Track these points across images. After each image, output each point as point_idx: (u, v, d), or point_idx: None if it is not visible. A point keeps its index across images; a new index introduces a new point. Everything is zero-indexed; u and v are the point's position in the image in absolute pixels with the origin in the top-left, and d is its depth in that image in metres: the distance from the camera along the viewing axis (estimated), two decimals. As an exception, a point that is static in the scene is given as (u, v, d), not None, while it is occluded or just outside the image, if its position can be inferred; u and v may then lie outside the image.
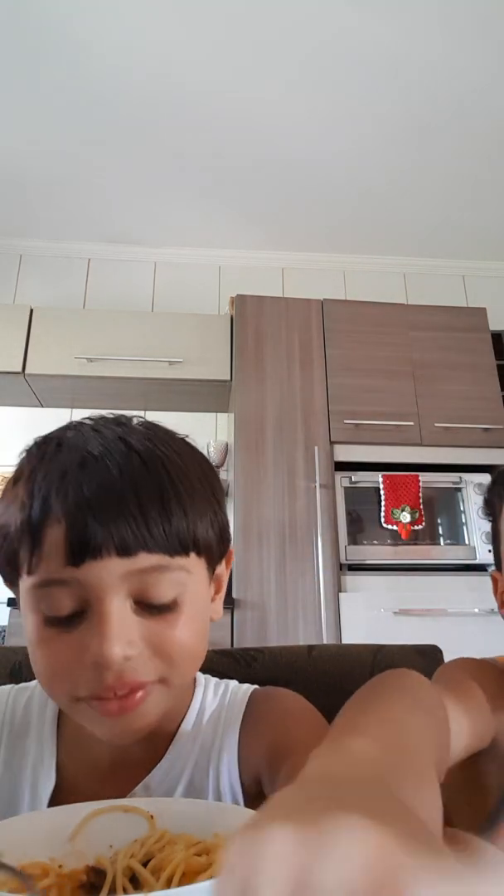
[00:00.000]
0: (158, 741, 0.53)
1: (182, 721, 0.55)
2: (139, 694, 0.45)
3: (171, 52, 2.12)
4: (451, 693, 0.51)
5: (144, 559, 0.45)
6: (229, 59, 2.15)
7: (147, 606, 0.46)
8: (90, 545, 0.43)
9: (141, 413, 0.56)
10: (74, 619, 0.45)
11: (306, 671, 0.78)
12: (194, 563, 0.49)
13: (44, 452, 0.49)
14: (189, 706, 0.56)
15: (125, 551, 0.44)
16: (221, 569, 0.55)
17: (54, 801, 0.51)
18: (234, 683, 0.60)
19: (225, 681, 0.61)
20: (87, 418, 0.53)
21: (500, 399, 2.63)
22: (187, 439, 0.54)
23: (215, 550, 0.52)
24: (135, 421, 0.53)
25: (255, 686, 0.60)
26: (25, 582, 0.46)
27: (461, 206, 2.90)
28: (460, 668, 0.64)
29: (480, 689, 0.56)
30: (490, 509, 0.71)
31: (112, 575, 0.44)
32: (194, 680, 0.58)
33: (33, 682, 0.59)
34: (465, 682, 0.57)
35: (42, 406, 2.84)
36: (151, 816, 0.42)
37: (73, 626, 0.45)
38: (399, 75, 2.22)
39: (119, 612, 0.44)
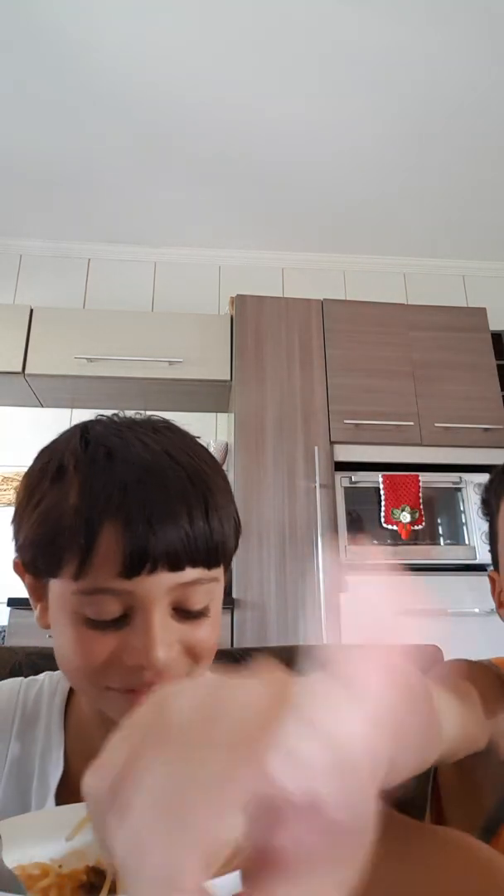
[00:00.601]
0: None
1: None
2: None
3: (172, 53, 2.12)
4: (445, 688, 0.51)
5: (189, 573, 0.48)
6: (230, 61, 2.15)
7: (183, 612, 0.49)
8: (147, 560, 0.46)
9: (141, 414, 0.57)
10: (117, 622, 0.47)
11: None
12: (221, 572, 0.52)
13: (93, 458, 0.49)
14: None
15: (175, 566, 0.47)
16: None
17: (61, 788, 0.53)
18: None
19: None
20: (115, 415, 0.55)
21: (500, 399, 2.63)
22: (199, 441, 0.57)
23: (232, 554, 0.55)
24: (159, 423, 0.55)
25: None
26: (68, 585, 0.47)
27: (461, 206, 2.90)
28: (454, 670, 0.64)
29: (475, 690, 0.55)
30: (487, 508, 0.71)
31: (161, 587, 0.47)
32: None
33: (41, 676, 0.62)
34: (461, 683, 0.56)
35: (42, 406, 2.84)
36: None
37: (115, 629, 0.47)
38: (399, 76, 2.22)
39: (163, 620, 0.47)
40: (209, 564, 0.49)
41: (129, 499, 0.46)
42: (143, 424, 0.54)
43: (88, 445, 0.51)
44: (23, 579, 0.54)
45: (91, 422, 0.54)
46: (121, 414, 0.56)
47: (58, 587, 0.49)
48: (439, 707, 0.43)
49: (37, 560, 0.50)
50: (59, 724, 0.57)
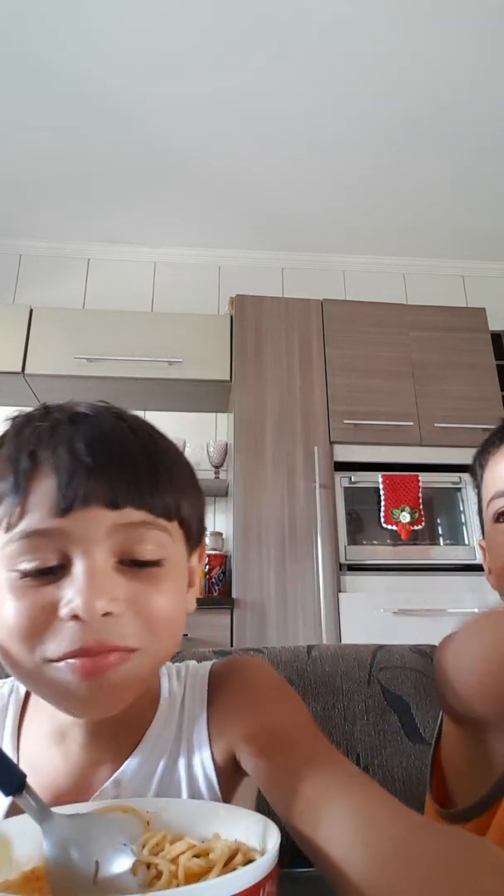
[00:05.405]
0: (126, 735, 0.51)
1: (154, 714, 0.53)
2: (113, 656, 0.42)
3: (169, 54, 2.12)
4: None
5: (130, 514, 0.44)
6: (225, 61, 2.15)
7: (131, 564, 0.44)
8: (79, 494, 0.42)
9: (141, 413, 0.55)
10: (54, 572, 0.43)
11: (306, 671, 0.78)
12: (176, 532, 0.48)
13: (30, 416, 0.49)
14: (159, 698, 0.54)
15: (113, 504, 0.43)
16: (195, 560, 0.54)
17: (12, 813, 0.46)
18: (192, 663, 0.59)
19: (184, 662, 0.59)
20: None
21: (500, 399, 2.63)
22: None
23: (194, 531, 0.51)
24: (113, 405, 0.53)
25: (213, 661, 0.59)
26: (4, 539, 0.44)
27: (461, 206, 2.90)
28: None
29: None
30: (475, 479, 0.72)
31: (98, 526, 0.43)
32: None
33: None
34: None
35: (42, 406, 2.84)
36: (148, 822, 0.42)
37: (52, 581, 0.42)
38: (398, 74, 2.22)
39: (103, 566, 0.42)
40: (155, 511, 0.45)
41: (59, 435, 0.45)
42: (92, 401, 0.52)
43: (30, 411, 0.51)
44: None
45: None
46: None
47: None
48: None
49: None
50: (13, 745, 0.51)
